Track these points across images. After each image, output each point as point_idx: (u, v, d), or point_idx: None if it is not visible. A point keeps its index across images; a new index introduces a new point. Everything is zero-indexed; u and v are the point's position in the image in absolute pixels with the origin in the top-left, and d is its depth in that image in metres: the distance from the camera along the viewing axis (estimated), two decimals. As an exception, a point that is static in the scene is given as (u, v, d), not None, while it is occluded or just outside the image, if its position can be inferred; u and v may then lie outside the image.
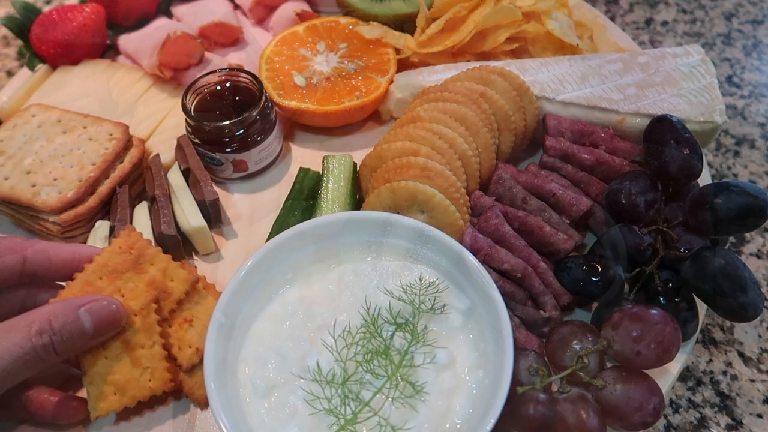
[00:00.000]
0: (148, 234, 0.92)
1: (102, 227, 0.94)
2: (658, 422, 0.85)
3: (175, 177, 0.99)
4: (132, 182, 1.03)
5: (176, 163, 1.02)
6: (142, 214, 0.96)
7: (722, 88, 1.26)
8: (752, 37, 1.38)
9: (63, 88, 1.14)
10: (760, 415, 0.86)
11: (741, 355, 0.92)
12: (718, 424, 0.86)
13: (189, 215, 0.93)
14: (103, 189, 0.98)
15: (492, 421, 0.66)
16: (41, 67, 1.19)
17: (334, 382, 0.71)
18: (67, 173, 0.97)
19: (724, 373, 0.90)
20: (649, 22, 1.42)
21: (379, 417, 0.68)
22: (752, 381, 0.90)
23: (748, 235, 1.05)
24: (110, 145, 1.00)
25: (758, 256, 1.02)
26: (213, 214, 0.96)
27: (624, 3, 1.47)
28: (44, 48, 1.17)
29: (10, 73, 1.36)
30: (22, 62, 1.22)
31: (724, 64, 1.33)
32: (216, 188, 0.97)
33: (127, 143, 1.01)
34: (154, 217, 0.94)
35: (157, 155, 1.03)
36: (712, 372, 0.91)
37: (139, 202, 0.99)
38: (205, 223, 0.93)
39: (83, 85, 1.15)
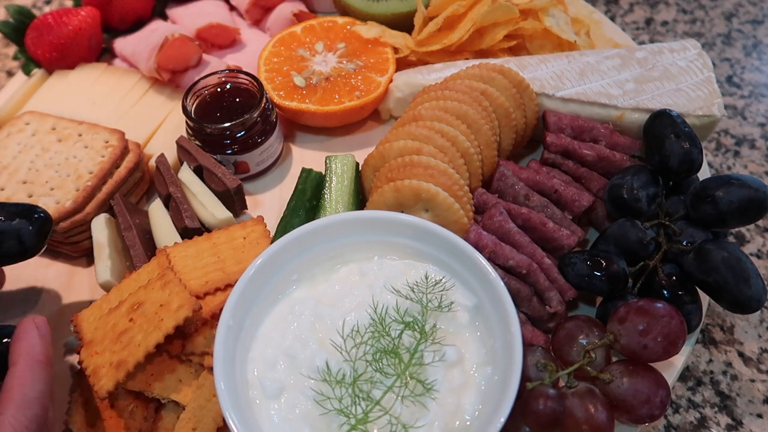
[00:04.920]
0: (170, 231, 0.93)
1: (98, 220, 0.94)
2: (658, 422, 0.85)
3: (187, 175, 0.98)
4: (133, 186, 1.02)
5: (184, 162, 1.02)
6: (159, 213, 0.95)
7: (722, 88, 1.27)
8: (752, 37, 1.38)
9: (59, 93, 1.14)
10: (760, 415, 0.87)
11: (741, 355, 0.92)
12: (718, 424, 0.86)
13: (212, 209, 0.93)
14: (101, 195, 0.97)
15: (503, 419, 0.67)
16: (37, 72, 1.19)
17: (343, 382, 0.71)
18: (64, 183, 0.96)
19: (724, 373, 0.91)
20: (649, 22, 1.42)
21: (389, 416, 0.69)
22: (752, 381, 0.90)
23: (748, 234, 1.06)
24: (107, 153, 0.99)
25: (758, 256, 1.03)
26: (238, 202, 0.98)
27: (624, 3, 1.47)
28: (40, 53, 1.16)
29: (10, 74, 1.35)
30: (22, 62, 1.21)
31: (724, 64, 1.33)
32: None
33: (124, 150, 1.01)
34: (174, 213, 0.94)
35: (162, 154, 1.02)
36: (712, 372, 0.91)
37: (147, 203, 0.98)
38: (230, 215, 0.93)
39: (80, 90, 1.14)
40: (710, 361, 0.92)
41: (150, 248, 0.93)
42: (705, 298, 0.86)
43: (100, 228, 0.93)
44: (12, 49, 1.39)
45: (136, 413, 0.74)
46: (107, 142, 1.01)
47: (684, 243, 0.84)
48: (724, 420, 0.87)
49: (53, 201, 0.94)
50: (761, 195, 0.80)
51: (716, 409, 0.88)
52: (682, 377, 0.90)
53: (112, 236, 0.93)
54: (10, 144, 1.01)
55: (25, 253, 0.82)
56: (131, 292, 0.80)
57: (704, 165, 1.01)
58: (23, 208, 0.81)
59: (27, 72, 1.20)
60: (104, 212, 0.98)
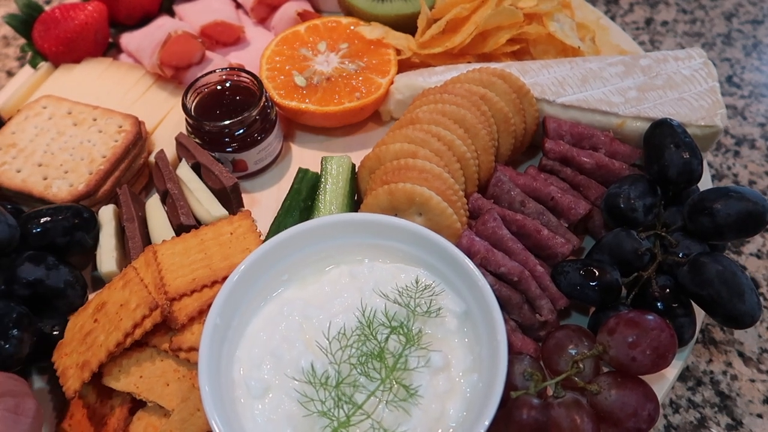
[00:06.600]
0: (166, 227, 0.93)
1: (106, 210, 0.96)
2: (658, 422, 0.85)
3: (185, 172, 0.99)
4: (133, 178, 1.03)
5: (183, 159, 1.02)
6: (155, 209, 0.97)
7: (722, 88, 1.26)
8: (752, 37, 1.37)
9: (64, 87, 1.15)
10: (760, 415, 0.87)
11: (741, 355, 0.92)
12: (718, 424, 0.86)
13: (208, 206, 0.94)
14: (111, 178, 0.99)
15: (486, 423, 0.66)
16: (43, 65, 1.20)
17: (327, 385, 0.71)
18: (78, 166, 0.98)
19: (724, 373, 0.91)
20: (649, 22, 1.41)
21: (372, 420, 0.68)
22: (752, 381, 0.90)
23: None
24: (120, 138, 1.01)
25: (758, 256, 1.02)
26: (234, 200, 0.98)
27: (624, 3, 1.47)
28: (46, 46, 1.17)
29: (10, 74, 1.37)
30: (22, 62, 1.22)
31: (724, 64, 1.32)
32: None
33: (137, 135, 1.02)
34: (170, 209, 0.95)
35: (162, 150, 1.03)
36: (712, 372, 0.91)
37: (146, 197, 0.99)
38: (226, 212, 0.94)
39: (84, 84, 1.15)
40: (710, 361, 0.92)
41: (150, 242, 0.94)
42: (701, 311, 0.85)
43: (108, 218, 0.95)
44: (12, 49, 1.42)
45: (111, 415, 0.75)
46: (121, 126, 1.03)
47: (680, 255, 0.83)
48: (724, 420, 0.87)
49: (67, 184, 0.96)
50: (759, 208, 0.79)
51: (716, 409, 0.87)
52: (682, 377, 0.90)
53: (118, 227, 0.95)
54: (28, 127, 1.03)
55: (85, 253, 0.93)
56: (97, 293, 0.81)
57: (705, 171, 0.99)
58: (75, 219, 0.89)
59: (34, 65, 1.21)
60: (112, 199, 1.00)
